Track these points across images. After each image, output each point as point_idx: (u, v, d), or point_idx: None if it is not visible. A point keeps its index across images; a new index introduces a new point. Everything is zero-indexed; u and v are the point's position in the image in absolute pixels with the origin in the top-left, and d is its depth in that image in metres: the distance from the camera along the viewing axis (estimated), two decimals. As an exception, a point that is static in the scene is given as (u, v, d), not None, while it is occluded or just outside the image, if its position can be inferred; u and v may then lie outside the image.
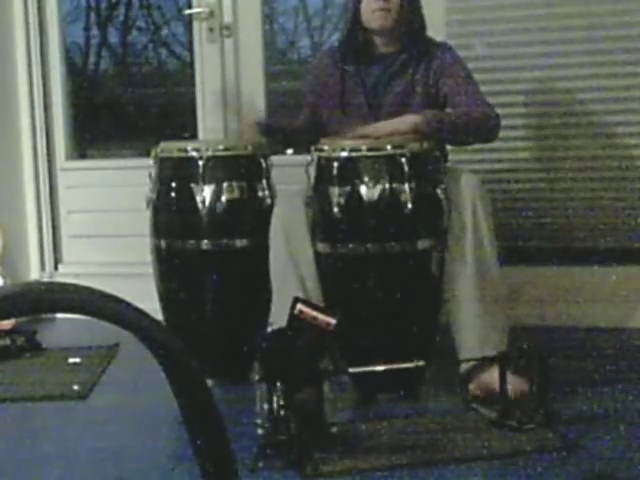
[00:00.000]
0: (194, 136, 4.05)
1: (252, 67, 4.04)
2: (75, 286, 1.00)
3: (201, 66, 4.06)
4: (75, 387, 3.05)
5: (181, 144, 3.14)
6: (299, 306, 2.37)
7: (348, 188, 2.74)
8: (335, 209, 2.75)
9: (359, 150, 2.76)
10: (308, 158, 2.85)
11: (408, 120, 2.87)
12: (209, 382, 2.71)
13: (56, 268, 4.30)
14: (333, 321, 2.36)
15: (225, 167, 3.06)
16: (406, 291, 2.76)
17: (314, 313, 2.37)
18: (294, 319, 2.38)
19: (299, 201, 2.87)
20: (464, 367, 2.77)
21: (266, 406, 2.35)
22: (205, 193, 3.00)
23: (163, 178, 3.08)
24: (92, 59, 4.82)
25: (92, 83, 4.82)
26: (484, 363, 2.69)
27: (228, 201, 3.02)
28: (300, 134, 3.19)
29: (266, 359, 2.38)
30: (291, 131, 3.24)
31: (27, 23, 4.18)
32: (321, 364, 2.40)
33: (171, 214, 3.07)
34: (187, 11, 4.13)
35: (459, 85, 2.96)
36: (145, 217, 3.14)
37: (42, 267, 4.27)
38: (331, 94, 3.08)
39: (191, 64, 4.15)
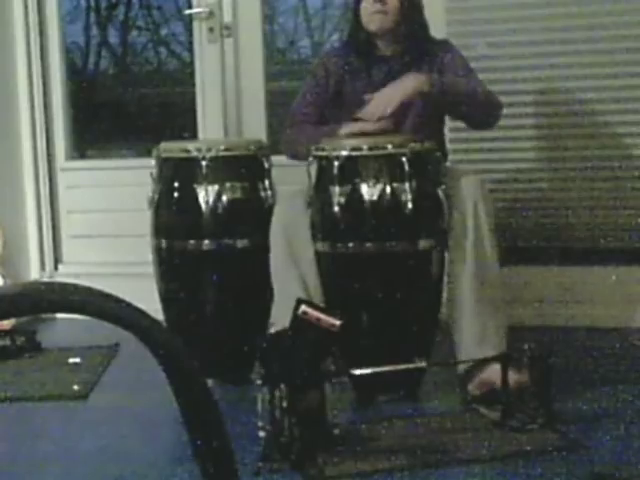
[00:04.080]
0: (194, 136, 4.05)
1: (252, 67, 4.03)
2: (75, 286, 0.99)
3: (201, 66, 4.06)
4: (75, 387, 3.05)
5: (183, 144, 3.14)
6: (303, 307, 2.36)
7: (349, 187, 2.74)
8: (336, 208, 2.75)
9: (360, 149, 2.76)
10: (309, 158, 2.85)
11: (411, 80, 2.84)
12: (209, 382, 2.71)
13: (56, 268, 4.30)
14: (338, 322, 2.34)
15: (227, 167, 3.05)
16: (406, 291, 2.76)
17: (318, 314, 2.36)
18: (297, 320, 2.37)
19: (300, 201, 2.87)
20: (463, 367, 2.77)
21: (268, 408, 2.34)
22: (207, 193, 2.99)
23: (165, 178, 3.08)
24: (92, 59, 4.82)
25: (92, 83, 4.82)
26: (483, 363, 2.69)
27: (230, 201, 3.01)
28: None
29: (268, 361, 2.37)
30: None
31: (27, 23, 4.18)
32: (322, 365, 2.39)
33: (172, 214, 3.07)
34: (187, 11, 4.13)
35: (462, 78, 2.96)
36: (145, 217, 3.14)
37: (42, 267, 4.27)
38: (335, 94, 3.08)
39: (191, 64, 4.15)
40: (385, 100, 2.85)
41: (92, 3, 4.62)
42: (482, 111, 2.95)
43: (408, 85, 2.84)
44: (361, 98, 2.95)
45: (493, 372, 2.59)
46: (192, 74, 4.11)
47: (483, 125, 3.05)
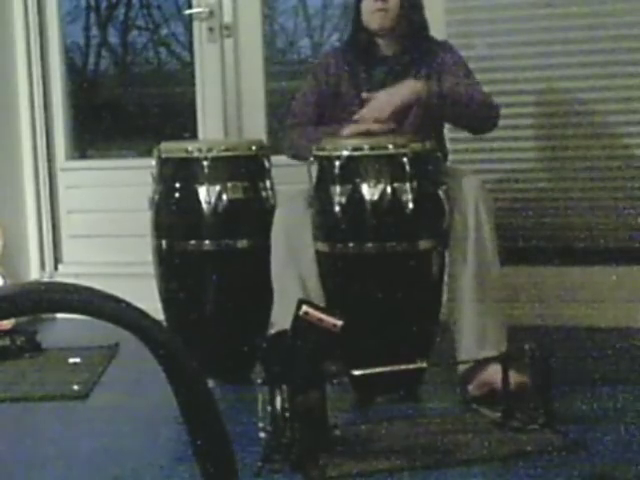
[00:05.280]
0: (194, 136, 4.05)
1: (252, 67, 4.03)
2: (75, 286, 0.99)
3: (201, 66, 4.06)
4: (75, 387, 3.05)
5: (183, 145, 3.14)
6: (305, 307, 2.36)
7: (349, 187, 2.74)
8: (336, 208, 2.74)
9: (361, 149, 2.76)
10: (310, 158, 2.85)
11: (408, 85, 2.86)
12: (210, 383, 2.71)
13: (56, 268, 4.30)
14: (339, 322, 2.34)
15: (228, 167, 3.05)
16: (406, 291, 2.76)
17: (320, 315, 2.36)
18: (299, 320, 2.37)
19: (301, 201, 2.87)
20: (463, 367, 2.77)
21: (269, 409, 2.34)
22: (208, 193, 2.99)
23: (165, 178, 3.07)
24: (92, 59, 4.82)
25: (92, 83, 4.82)
26: (483, 363, 2.69)
27: (231, 201, 3.01)
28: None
29: (268, 361, 2.37)
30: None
31: (27, 23, 4.18)
32: (322, 366, 2.39)
33: (173, 214, 3.06)
34: (187, 11, 4.13)
35: (460, 83, 2.96)
36: (145, 217, 3.14)
37: (42, 267, 4.27)
38: (335, 94, 3.08)
39: (191, 64, 4.15)
40: (382, 103, 2.85)
41: (92, 3, 4.62)
42: (480, 116, 2.94)
43: (405, 90, 2.85)
44: (360, 98, 2.95)
45: (493, 373, 2.59)
46: (192, 74, 4.11)
47: (481, 130, 3.05)
